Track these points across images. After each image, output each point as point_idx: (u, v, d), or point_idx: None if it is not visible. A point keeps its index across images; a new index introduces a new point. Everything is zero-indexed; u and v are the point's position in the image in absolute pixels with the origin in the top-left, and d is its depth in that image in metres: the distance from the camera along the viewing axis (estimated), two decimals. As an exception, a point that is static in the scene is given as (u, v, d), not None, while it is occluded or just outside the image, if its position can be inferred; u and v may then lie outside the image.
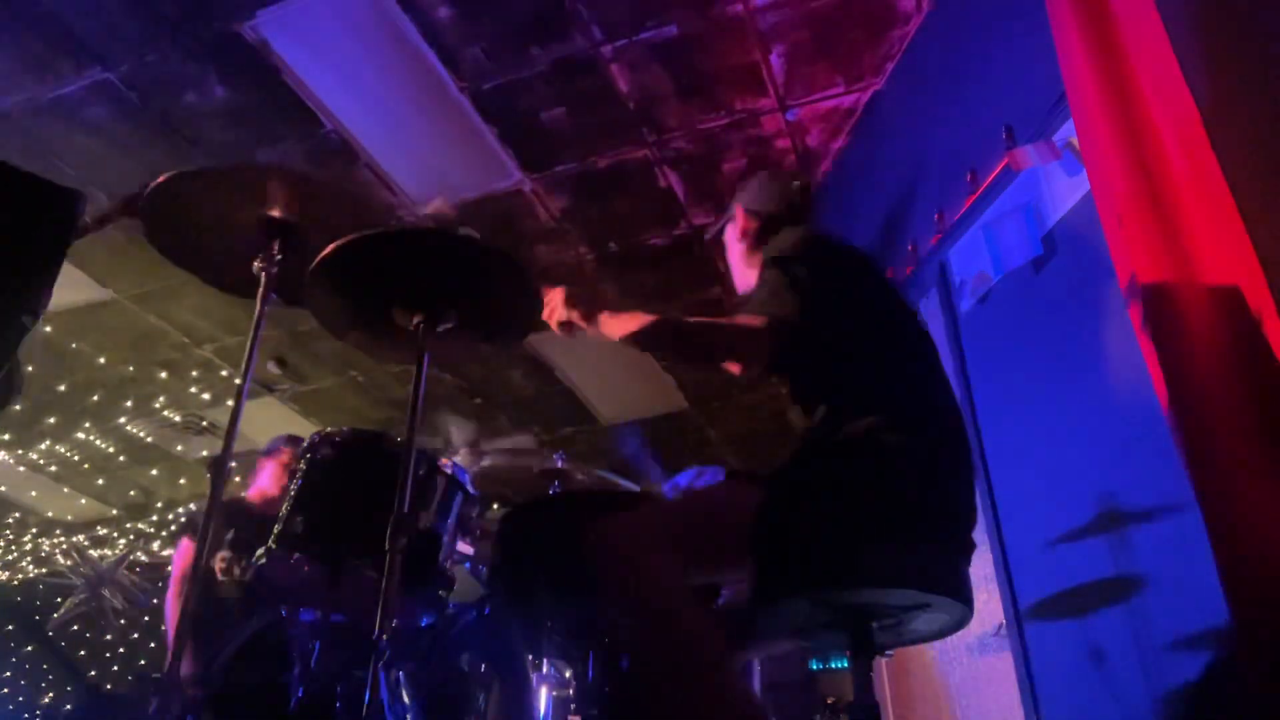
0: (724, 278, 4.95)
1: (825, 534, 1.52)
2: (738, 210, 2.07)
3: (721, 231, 2.16)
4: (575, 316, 1.88)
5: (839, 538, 1.51)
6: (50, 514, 7.77)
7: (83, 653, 7.61)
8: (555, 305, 1.89)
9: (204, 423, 6.43)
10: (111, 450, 6.63)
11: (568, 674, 2.56)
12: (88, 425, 6.21)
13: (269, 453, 3.68)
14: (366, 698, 1.41)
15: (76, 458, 6.64)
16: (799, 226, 1.89)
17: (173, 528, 7.51)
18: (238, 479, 5.79)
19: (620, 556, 1.50)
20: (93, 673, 7.51)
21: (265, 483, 3.58)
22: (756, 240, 2.01)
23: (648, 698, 1.45)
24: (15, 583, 7.97)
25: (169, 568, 7.88)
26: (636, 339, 1.75)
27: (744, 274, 2.06)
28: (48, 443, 6.34)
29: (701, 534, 1.60)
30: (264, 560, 2.00)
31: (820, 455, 1.60)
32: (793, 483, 1.59)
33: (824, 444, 1.60)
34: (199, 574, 1.69)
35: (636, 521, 1.57)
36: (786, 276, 1.69)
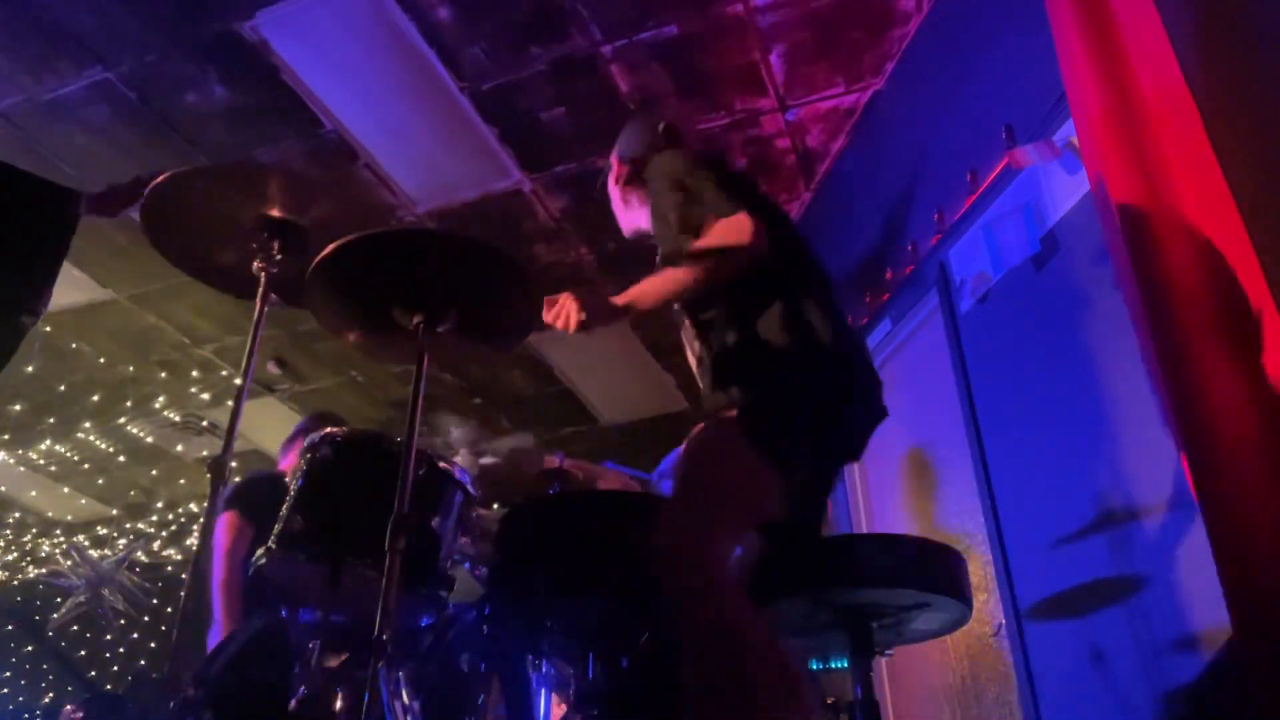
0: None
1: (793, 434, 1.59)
2: (612, 159, 2.24)
3: (605, 185, 2.30)
4: (592, 311, 1.87)
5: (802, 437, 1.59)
6: (50, 514, 7.77)
7: (83, 653, 7.61)
8: (567, 308, 1.89)
9: (204, 423, 6.43)
10: (111, 450, 6.63)
11: (568, 674, 2.56)
12: (88, 425, 6.21)
13: (303, 431, 3.64)
14: (366, 698, 1.41)
15: (76, 458, 6.64)
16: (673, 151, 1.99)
17: (173, 528, 7.51)
18: (237, 479, 5.77)
19: (667, 559, 1.49)
20: (93, 673, 7.51)
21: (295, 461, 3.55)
22: (628, 183, 2.18)
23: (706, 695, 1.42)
24: (15, 583, 7.97)
25: (169, 567, 7.87)
26: (657, 306, 1.77)
27: (625, 216, 2.21)
28: (48, 443, 6.34)
29: (727, 493, 1.61)
30: (264, 560, 2.00)
31: (772, 371, 1.66)
32: (757, 406, 1.63)
33: (771, 360, 1.67)
34: (199, 568, 1.69)
35: (681, 519, 1.56)
36: (696, 188, 1.80)
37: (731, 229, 1.69)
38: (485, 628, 2.39)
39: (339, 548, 1.98)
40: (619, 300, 1.75)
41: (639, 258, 5.24)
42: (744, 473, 1.59)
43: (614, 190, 2.24)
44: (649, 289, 1.75)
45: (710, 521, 1.52)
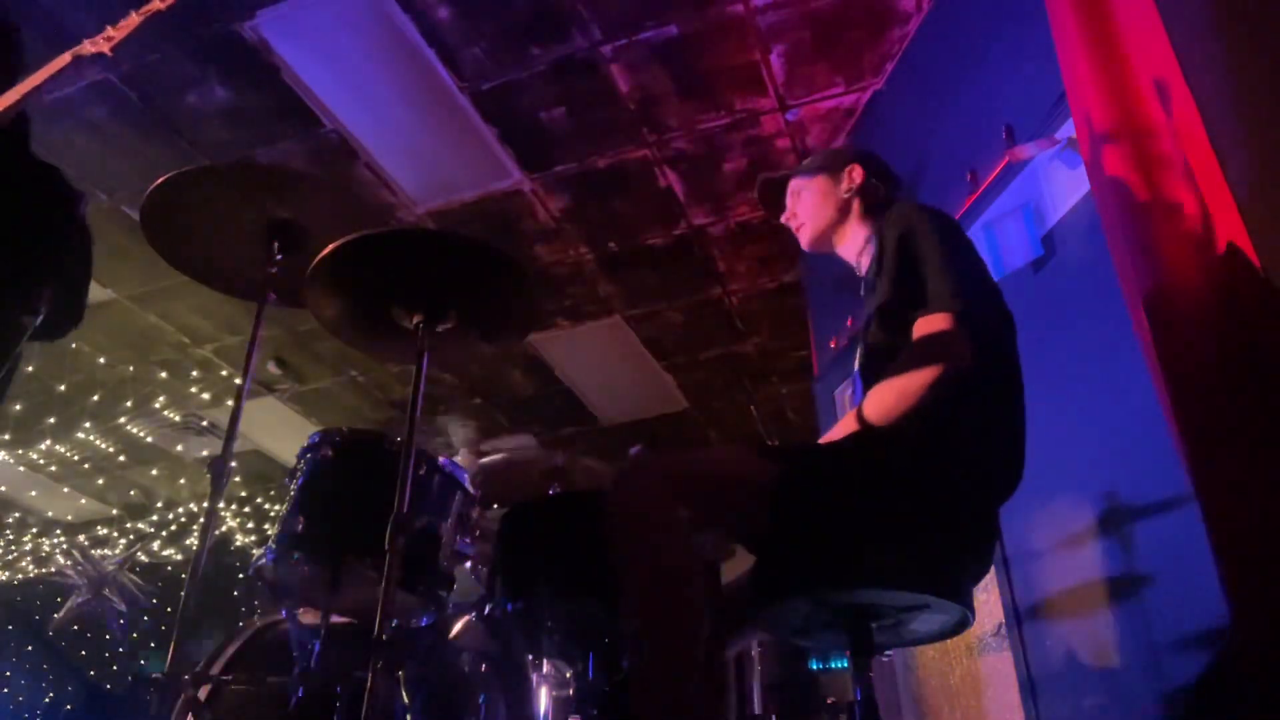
0: (724, 277, 4.96)
1: (827, 531, 1.51)
2: (854, 167, 2.01)
3: (804, 174, 2.08)
4: None
5: (849, 536, 1.51)
6: (50, 514, 7.77)
7: (83, 653, 7.61)
8: None
9: (204, 423, 6.43)
10: (111, 450, 6.63)
11: (568, 674, 2.56)
12: (88, 425, 6.21)
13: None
14: (366, 698, 1.41)
15: (76, 458, 6.64)
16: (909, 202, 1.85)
17: (173, 528, 7.51)
18: (237, 478, 5.76)
19: (626, 484, 1.48)
20: (93, 673, 7.50)
21: None
22: (866, 202, 1.97)
23: (632, 654, 1.42)
24: (15, 583, 7.97)
25: (169, 567, 7.86)
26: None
27: (833, 228, 1.99)
28: (48, 443, 6.34)
29: (713, 485, 1.55)
30: (264, 560, 2.00)
31: (870, 447, 1.55)
32: (819, 472, 1.55)
33: (881, 437, 1.54)
34: (199, 569, 1.69)
35: (652, 458, 1.54)
36: (945, 246, 1.64)
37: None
38: (485, 628, 2.39)
39: (339, 548, 1.98)
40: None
41: (638, 258, 5.24)
42: (748, 502, 1.52)
43: (834, 194, 2.01)
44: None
45: (681, 498, 1.47)
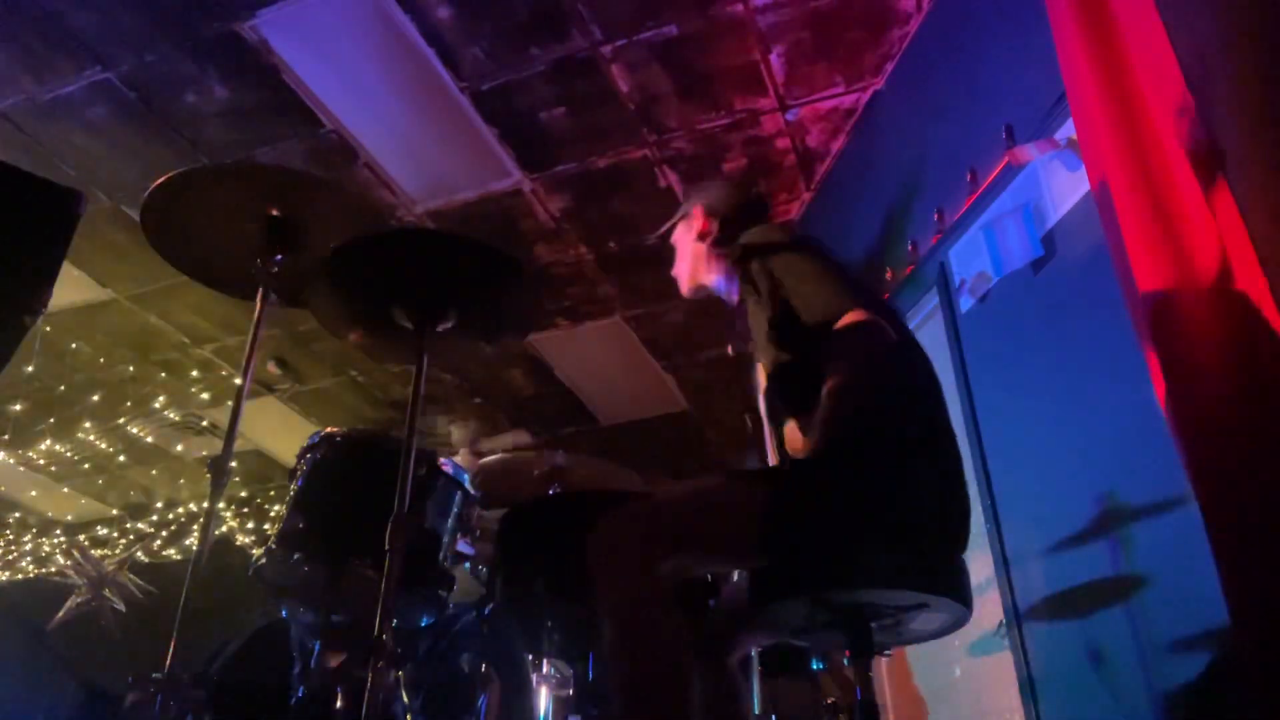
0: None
1: (829, 535, 1.51)
2: (695, 210, 2.08)
3: (671, 231, 2.17)
4: None
5: (844, 539, 1.51)
6: (50, 514, 7.76)
7: (83, 653, 7.60)
8: None
9: (204, 423, 6.43)
10: (111, 450, 6.63)
11: (568, 674, 2.56)
12: (88, 425, 6.21)
13: None
14: (366, 698, 1.41)
15: (76, 458, 6.64)
16: (767, 225, 1.92)
17: (173, 528, 7.51)
18: (237, 478, 5.74)
19: (605, 548, 1.49)
20: (93, 673, 7.50)
21: None
22: (716, 241, 2.03)
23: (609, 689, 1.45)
24: (15, 583, 7.96)
25: (170, 567, 7.86)
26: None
27: (698, 273, 2.07)
28: (48, 443, 6.34)
29: (700, 527, 1.57)
30: (264, 561, 2.01)
31: (833, 459, 1.55)
32: (803, 484, 1.55)
33: (836, 449, 1.54)
34: (199, 569, 1.69)
35: (629, 514, 1.55)
36: (816, 262, 1.69)
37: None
38: (485, 628, 2.39)
39: (339, 548, 1.98)
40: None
41: (638, 258, 5.24)
42: (732, 529, 1.54)
43: (690, 244, 2.08)
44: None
45: (658, 539, 1.50)
